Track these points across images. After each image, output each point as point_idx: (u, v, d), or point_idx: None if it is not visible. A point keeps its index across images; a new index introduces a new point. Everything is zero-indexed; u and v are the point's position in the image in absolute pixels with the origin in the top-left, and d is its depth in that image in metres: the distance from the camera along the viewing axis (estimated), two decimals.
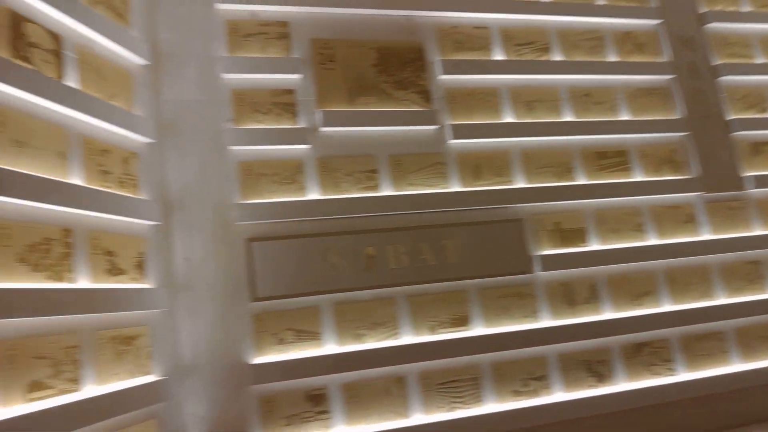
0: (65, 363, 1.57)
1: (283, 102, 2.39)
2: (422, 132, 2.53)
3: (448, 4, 2.68)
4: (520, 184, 2.60)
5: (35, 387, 1.46)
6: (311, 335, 2.21)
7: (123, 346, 1.80)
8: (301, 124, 2.38)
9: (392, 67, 2.56)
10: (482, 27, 2.74)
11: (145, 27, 2.22)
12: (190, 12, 2.35)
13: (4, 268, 1.43)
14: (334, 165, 2.39)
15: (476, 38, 2.73)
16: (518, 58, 2.76)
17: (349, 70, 2.50)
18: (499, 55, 2.73)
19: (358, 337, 2.25)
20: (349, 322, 2.26)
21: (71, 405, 1.52)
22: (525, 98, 2.72)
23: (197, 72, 2.30)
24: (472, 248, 2.44)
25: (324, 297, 2.25)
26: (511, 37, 2.78)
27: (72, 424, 1.51)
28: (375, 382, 2.22)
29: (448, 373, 2.30)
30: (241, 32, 2.41)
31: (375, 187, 2.42)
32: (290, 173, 2.34)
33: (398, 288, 2.34)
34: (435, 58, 2.62)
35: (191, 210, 2.20)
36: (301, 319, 2.21)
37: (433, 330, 2.33)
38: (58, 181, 1.66)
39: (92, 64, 1.90)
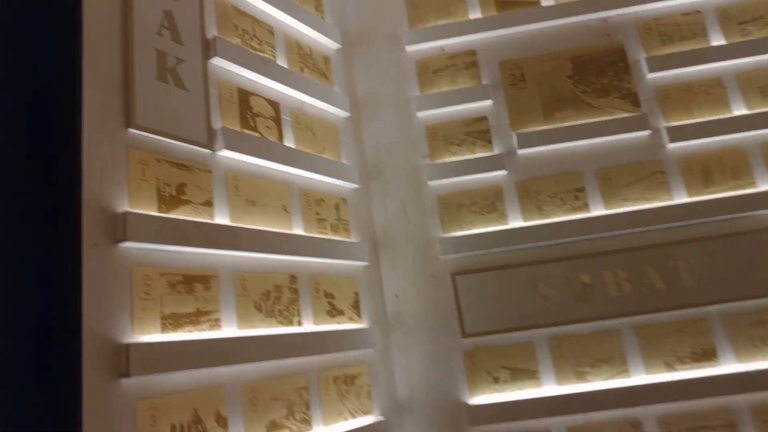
0: (297, 404, 1.69)
1: (475, 130, 2.35)
2: (633, 139, 2.26)
3: None
4: (766, 185, 2.17)
5: (273, 427, 1.59)
6: (527, 374, 2.08)
7: (345, 386, 1.90)
8: (496, 150, 2.31)
9: (590, 75, 2.35)
10: (692, 12, 2.38)
11: (344, 82, 2.38)
12: (383, 60, 2.46)
13: (243, 316, 1.61)
14: (535, 188, 2.27)
15: (686, 26, 2.38)
16: (744, 39, 2.33)
17: (543, 86, 2.37)
18: (718, 40, 2.34)
19: (581, 376, 2.06)
20: (569, 358, 2.08)
21: None
22: (758, 83, 2.27)
23: (393, 115, 2.39)
24: (712, 267, 2.09)
25: (537, 331, 2.11)
26: (730, 16, 2.36)
27: None
28: (605, 426, 1.99)
29: (696, 418, 1.96)
30: (431, 69, 2.44)
31: (584, 207, 2.22)
32: (490, 201, 2.27)
33: (622, 319, 2.09)
34: (639, 56, 2.34)
35: (397, 247, 2.27)
36: (515, 355, 2.10)
37: (670, 367, 2.03)
38: (285, 233, 1.83)
39: (305, 123, 2.08)
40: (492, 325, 2.13)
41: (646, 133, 2.25)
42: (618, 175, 2.24)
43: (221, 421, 1.45)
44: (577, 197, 2.24)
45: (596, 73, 2.35)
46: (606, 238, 2.17)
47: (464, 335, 2.13)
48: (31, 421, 1.20)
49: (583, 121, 2.29)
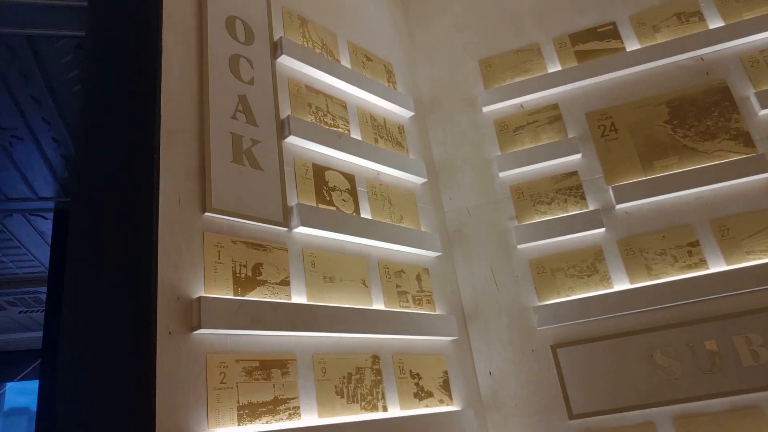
0: None
1: (566, 186, 2.18)
2: (750, 183, 1.99)
3: (749, 27, 2.17)
4: None
5: None
6: None
7: None
8: (591, 206, 2.12)
9: (690, 118, 2.14)
10: None
11: (420, 148, 2.33)
12: (459, 123, 2.40)
13: (324, 402, 1.50)
14: (640, 245, 2.04)
15: None
16: None
17: (637, 134, 2.18)
18: None
19: None
20: None
21: None
22: None
23: (474, 177, 2.29)
24: None
25: (659, 410, 1.83)
26: None
27: None
28: None
29: None
30: (511, 127, 2.34)
31: (700, 264, 1.96)
32: (589, 263, 2.07)
33: (762, 393, 1.76)
34: (747, 92, 2.10)
35: (487, 319, 2.10)
36: None
37: None
38: (364, 309, 1.74)
39: (381, 193, 2.03)
40: (604, 404, 1.87)
41: (765, 175, 1.98)
42: (737, 224, 1.97)
43: None
44: (691, 253, 1.98)
45: (698, 116, 2.13)
46: (731, 297, 1.88)
47: (572, 416, 1.88)
48: None
49: (689, 168, 2.06)
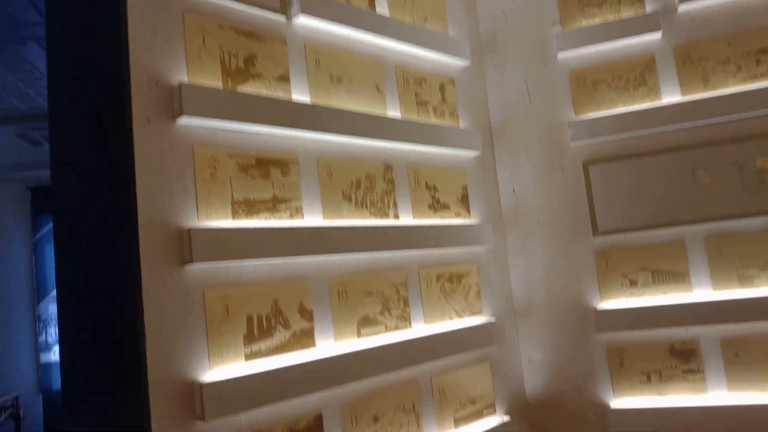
0: (395, 300, 1.54)
1: None
2: None
3: None
4: None
5: (366, 322, 1.47)
6: (675, 276, 1.72)
7: (450, 285, 1.71)
8: (649, 8, 1.82)
9: None
10: None
11: None
12: None
13: (330, 206, 1.45)
14: (700, 53, 1.77)
15: None
16: None
17: None
18: None
19: (746, 280, 1.65)
20: (731, 259, 1.67)
21: (400, 344, 1.49)
22: None
23: None
24: None
25: (691, 228, 1.71)
26: None
27: (401, 362, 1.48)
28: None
29: None
30: None
31: (767, 74, 1.70)
32: (637, 73, 1.83)
33: None
34: None
35: (516, 134, 1.95)
36: (661, 255, 1.73)
37: None
38: (377, 116, 1.61)
39: None
40: (632, 222, 1.77)
41: None
42: None
43: (306, 314, 1.35)
44: (759, 62, 1.71)
45: None
46: None
47: (596, 233, 1.80)
48: (91, 308, 1.19)
49: None
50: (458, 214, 1.79)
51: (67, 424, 1.20)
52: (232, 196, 1.26)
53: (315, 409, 1.32)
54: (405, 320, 1.56)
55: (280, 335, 1.29)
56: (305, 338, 1.34)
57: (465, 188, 1.83)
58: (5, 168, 5.83)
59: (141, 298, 1.08)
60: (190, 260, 1.14)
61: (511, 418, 1.75)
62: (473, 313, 1.75)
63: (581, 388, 1.78)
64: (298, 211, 1.38)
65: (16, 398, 5.36)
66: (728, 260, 1.67)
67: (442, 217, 1.73)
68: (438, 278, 1.68)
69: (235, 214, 1.26)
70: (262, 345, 1.26)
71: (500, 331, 1.78)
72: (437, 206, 1.73)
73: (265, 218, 1.31)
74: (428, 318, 1.63)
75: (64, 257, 1.25)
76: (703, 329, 1.67)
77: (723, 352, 1.66)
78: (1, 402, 5.12)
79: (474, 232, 1.78)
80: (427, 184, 1.72)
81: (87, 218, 1.20)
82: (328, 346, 1.38)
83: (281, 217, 1.34)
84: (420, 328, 1.59)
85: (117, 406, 1.13)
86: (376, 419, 1.44)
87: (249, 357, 1.23)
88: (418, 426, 1.52)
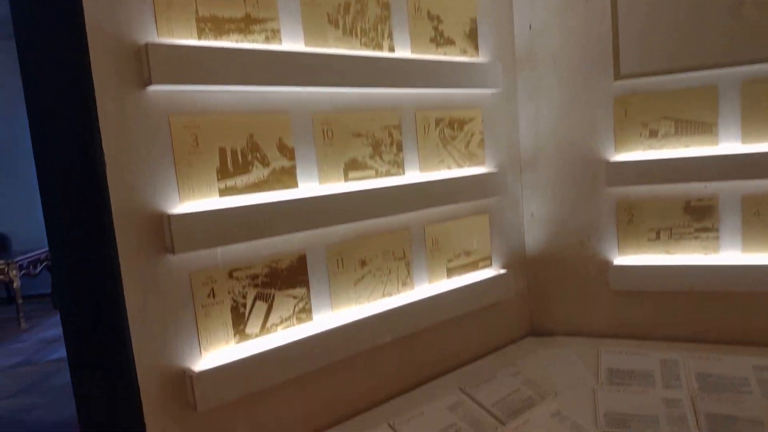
0: (387, 144, 1.42)
1: None
2: None
3: None
4: None
5: (354, 166, 1.36)
6: (700, 127, 1.55)
7: (450, 131, 1.57)
8: None
9: None
10: None
11: None
12: None
13: (313, 31, 1.28)
14: None
15: None
16: None
17: None
18: None
19: None
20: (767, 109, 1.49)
21: (391, 189, 1.39)
22: None
23: None
24: None
25: (727, 72, 1.51)
26: None
27: (392, 208, 1.40)
28: None
29: None
30: None
31: None
32: None
33: None
34: None
35: None
36: (687, 103, 1.56)
37: None
38: None
39: None
40: (661, 63, 1.56)
41: None
42: None
43: (286, 151, 1.24)
44: None
45: None
46: None
47: (618, 76, 1.61)
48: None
49: None
50: (464, 51, 1.60)
51: None
52: (197, 10, 1.10)
53: (298, 249, 1.27)
54: (398, 166, 1.45)
55: (258, 172, 1.20)
56: (286, 177, 1.25)
57: (474, 21, 1.62)
58: None
59: (97, 120, 0.98)
60: (149, 81, 1.02)
61: (508, 271, 1.70)
62: (475, 163, 1.63)
63: (584, 243, 1.71)
64: (275, 35, 1.22)
65: None
66: (765, 110, 1.49)
67: (445, 53, 1.55)
68: (437, 123, 1.54)
69: (201, 33, 1.11)
70: (238, 181, 1.17)
71: (501, 182, 1.67)
72: (440, 40, 1.54)
73: (236, 41, 1.16)
74: (424, 166, 1.51)
75: None
76: (725, 185, 1.55)
77: (743, 210, 1.54)
78: (37, 254, 5.30)
79: (481, 73, 1.60)
80: (429, 14, 1.51)
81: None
82: (311, 187, 1.29)
83: (255, 40, 1.19)
84: (414, 177, 1.49)
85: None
86: (363, 263, 1.39)
87: (224, 192, 1.15)
88: (408, 273, 1.48)
